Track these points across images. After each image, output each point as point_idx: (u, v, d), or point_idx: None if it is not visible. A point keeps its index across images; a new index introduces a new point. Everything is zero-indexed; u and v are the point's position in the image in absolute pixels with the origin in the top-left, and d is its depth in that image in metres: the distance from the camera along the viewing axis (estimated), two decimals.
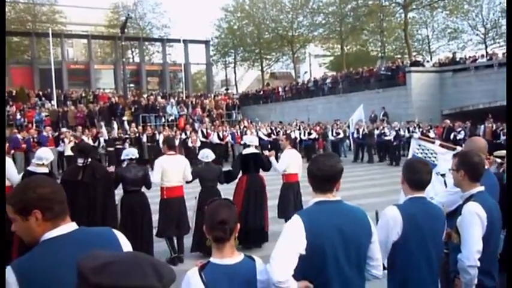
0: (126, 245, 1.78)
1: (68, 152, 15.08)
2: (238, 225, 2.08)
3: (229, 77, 50.06)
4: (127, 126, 20.77)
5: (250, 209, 6.58)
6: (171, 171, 6.03)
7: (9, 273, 1.56)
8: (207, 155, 6.52)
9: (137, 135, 18.36)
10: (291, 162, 6.96)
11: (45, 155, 5.75)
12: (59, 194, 1.69)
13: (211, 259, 2.04)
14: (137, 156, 6.23)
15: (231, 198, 6.63)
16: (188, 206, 6.44)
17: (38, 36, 36.56)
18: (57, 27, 39.27)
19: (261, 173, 7.10)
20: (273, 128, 19.16)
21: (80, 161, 5.64)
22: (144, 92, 33.00)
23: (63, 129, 18.64)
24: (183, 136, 18.24)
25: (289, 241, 2.10)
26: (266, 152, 7.39)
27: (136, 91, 33.77)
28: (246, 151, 6.98)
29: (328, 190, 2.25)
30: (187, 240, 6.39)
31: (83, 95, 29.79)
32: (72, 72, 36.22)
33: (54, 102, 27.58)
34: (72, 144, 16.17)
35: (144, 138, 17.89)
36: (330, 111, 24.37)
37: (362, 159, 17.93)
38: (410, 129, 16.96)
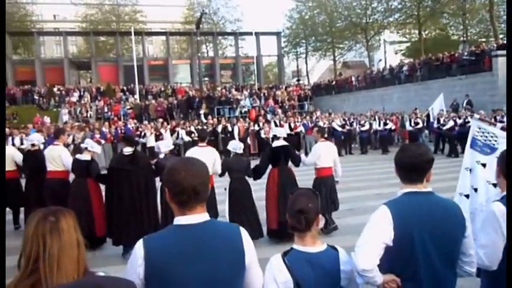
0: (248, 242, 1.79)
1: (151, 143, 16.07)
2: (320, 216, 2.07)
3: (301, 67, 49.83)
4: (204, 119, 21.67)
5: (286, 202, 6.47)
6: None
7: (139, 246, 1.67)
8: (240, 147, 6.60)
9: (213, 127, 19.04)
10: (322, 155, 6.64)
11: (89, 143, 6.75)
12: (189, 183, 1.66)
13: (294, 246, 2.06)
14: (172, 147, 6.69)
15: (264, 192, 6.64)
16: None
17: (121, 35, 39.18)
18: (138, 26, 41.71)
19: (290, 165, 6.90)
20: (347, 119, 18.84)
21: (127, 150, 6.18)
22: (218, 85, 34.01)
23: (145, 122, 19.91)
24: (256, 127, 18.59)
25: (375, 231, 2.07)
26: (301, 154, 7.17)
27: (211, 84, 34.93)
28: (275, 144, 6.73)
29: (417, 180, 2.15)
30: None
31: (162, 89, 31.48)
32: (152, 68, 38.33)
33: (136, 96, 29.45)
34: (153, 136, 17.33)
35: (219, 130, 18.46)
36: (407, 100, 23.37)
37: (443, 150, 17.05)
38: (498, 118, 15.76)
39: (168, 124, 19.20)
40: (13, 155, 7.76)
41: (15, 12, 42.60)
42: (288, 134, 17.62)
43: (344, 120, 18.69)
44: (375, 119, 19.00)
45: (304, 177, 6.89)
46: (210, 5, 44.37)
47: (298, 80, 43.53)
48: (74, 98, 28.90)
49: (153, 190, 6.15)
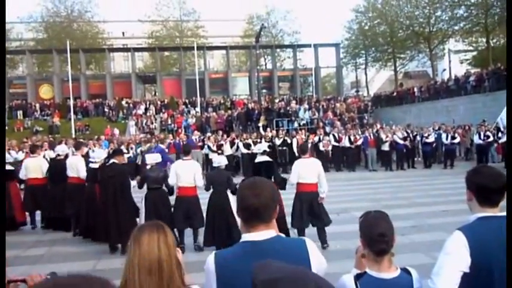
0: (314, 254, 1.80)
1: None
2: (395, 235, 2.05)
3: (360, 78, 49.09)
4: (262, 131, 22.01)
5: None
6: (183, 174, 6.95)
7: (211, 260, 1.76)
8: (219, 161, 7.19)
9: (269, 139, 19.17)
10: (301, 171, 6.62)
11: (97, 155, 8.08)
12: (251, 202, 1.72)
13: (368, 271, 1.99)
14: (160, 161, 7.43)
15: None
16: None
17: (184, 50, 40.85)
18: (200, 41, 43.30)
19: None
20: (409, 132, 18.29)
21: (111, 162, 7.17)
22: (276, 97, 34.36)
23: (208, 134, 20.60)
24: (316, 140, 18.56)
25: (451, 258, 1.98)
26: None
27: (269, 96, 35.37)
28: (258, 159, 7.01)
29: (496, 203, 2.06)
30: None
31: (222, 101, 32.37)
32: (213, 81, 39.52)
33: (198, 109, 30.51)
34: (215, 147, 17.89)
35: (277, 142, 18.56)
36: (474, 112, 22.30)
37: None
38: None
39: (228, 136, 19.70)
40: (41, 165, 8.96)
41: (88, 30, 45.96)
42: (347, 147, 17.74)
43: (406, 132, 18.18)
44: (438, 131, 18.30)
45: (289, 196, 6.87)
46: (269, 18, 45.14)
47: (357, 91, 42.92)
48: (140, 110, 30.51)
49: (128, 196, 6.94)
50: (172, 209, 6.98)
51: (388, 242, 1.97)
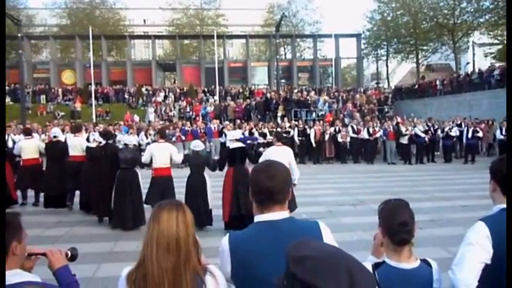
0: (328, 236, 1.78)
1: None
2: (416, 226, 2.00)
3: (380, 70, 48.34)
4: (280, 121, 21.95)
5: (240, 196, 6.89)
6: (158, 155, 7.64)
7: (225, 242, 1.78)
8: (198, 145, 7.73)
9: (285, 129, 19.02)
10: (272, 158, 6.70)
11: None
12: (265, 184, 1.73)
13: (387, 260, 1.95)
14: (130, 142, 8.09)
15: (221, 188, 7.41)
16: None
17: (204, 39, 40.85)
18: (220, 30, 43.20)
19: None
20: (430, 125, 17.95)
21: (103, 142, 8.20)
22: (295, 88, 34.13)
23: (226, 123, 20.66)
24: (332, 131, 18.39)
25: (474, 249, 1.92)
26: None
27: (288, 86, 35.16)
28: (233, 145, 7.38)
29: None
30: None
31: (240, 90, 32.34)
32: (232, 70, 39.46)
33: (216, 97, 30.57)
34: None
35: (295, 133, 18.39)
36: (498, 107, 21.69)
37: None
38: None
39: (247, 125, 19.67)
40: (38, 145, 9.65)
41: (110, 17, 46.35)
42: (366, 139, 17.54)
43: (427, 126, 17.86)
44: (461, 126, 17.93)
45: None
46: (289, 7, 44.73)
47: (377, 83, 42.33)
48: (160, 98, 30.73)
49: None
50: (142, 188, 7.56)
51: (409, 231, 1.92)
